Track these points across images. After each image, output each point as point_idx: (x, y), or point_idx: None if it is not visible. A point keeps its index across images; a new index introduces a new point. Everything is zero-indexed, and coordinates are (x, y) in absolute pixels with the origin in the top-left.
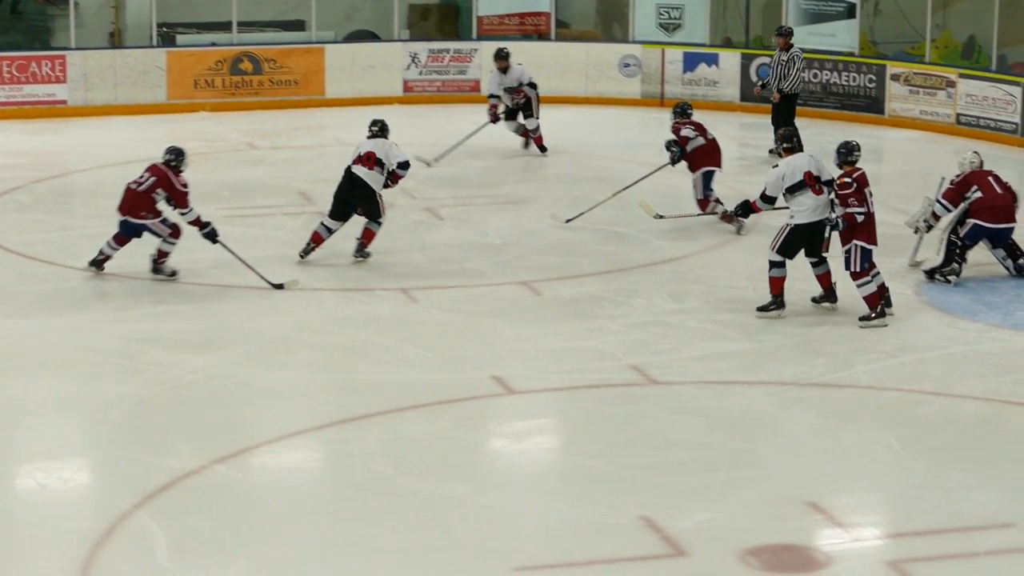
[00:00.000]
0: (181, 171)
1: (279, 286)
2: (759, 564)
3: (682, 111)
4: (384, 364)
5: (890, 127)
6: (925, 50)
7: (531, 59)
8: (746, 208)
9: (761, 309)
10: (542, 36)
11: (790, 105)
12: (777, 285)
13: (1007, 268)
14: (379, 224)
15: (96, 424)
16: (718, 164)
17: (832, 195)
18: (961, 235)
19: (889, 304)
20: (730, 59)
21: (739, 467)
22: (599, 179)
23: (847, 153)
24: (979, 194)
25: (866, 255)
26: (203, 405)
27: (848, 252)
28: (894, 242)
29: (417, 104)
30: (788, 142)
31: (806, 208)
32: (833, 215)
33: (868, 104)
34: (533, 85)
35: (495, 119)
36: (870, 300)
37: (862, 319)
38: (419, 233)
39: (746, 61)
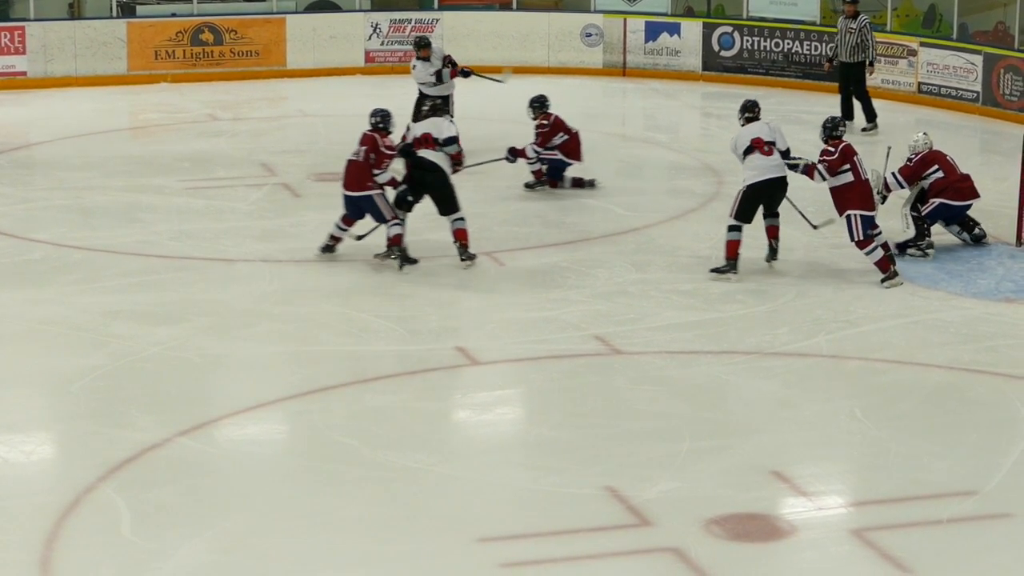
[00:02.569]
0: (389, 132)
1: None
2: (723, 533)
3: (540, 105)
4: (347, 335)
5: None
6: (886, 19)
7: (493, 29)
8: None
9: (714, 270)
10: (504, 6)
11: (861, 73)
12: (732, 249)
13: (963, 240)
14: (462, 219)
15: (59, 397)
16: (578, 158)
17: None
18: (923, 213)
19: (894, 274)
20: (692, 29)
21: (703, 437)
22: None
23: (832, 128)
24: (940, 174)
25: (866, 222)
26: (166, 378)
27: (848, 222)
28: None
29: (379, 75)
30: (749, 112)
31: (756, 168)
32: (804, 162)
33: (830, 73)
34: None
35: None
36: (881, 264)
37: (883, 280)
38: None
39: (708, 31)
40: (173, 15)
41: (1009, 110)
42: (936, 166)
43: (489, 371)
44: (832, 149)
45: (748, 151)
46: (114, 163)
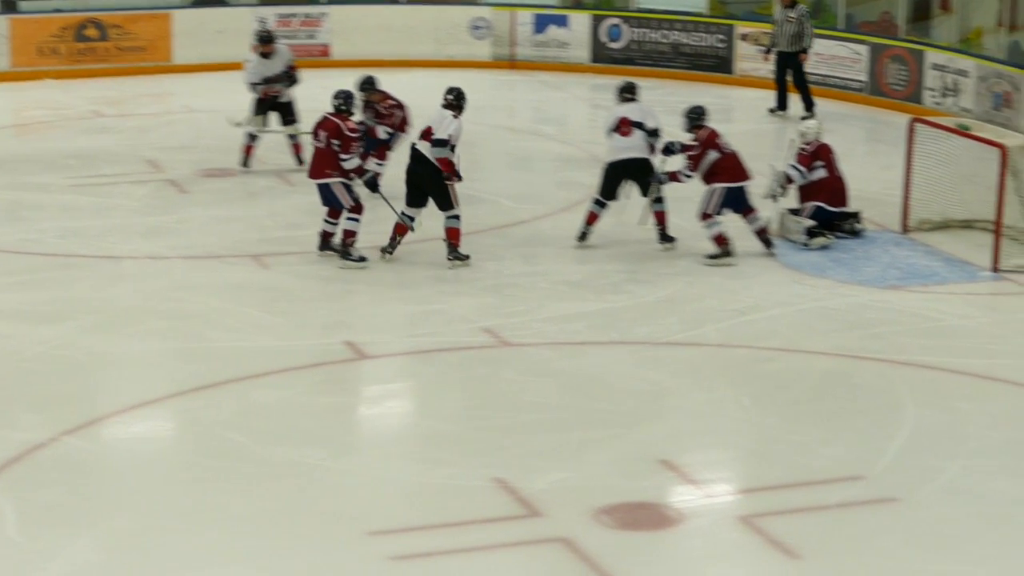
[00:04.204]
0: (352, 114)
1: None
2: (613, 522)
3: (370, 85)
4: (235, 331)
5: (739, 87)
6: (773, 10)
7: (381, 23)
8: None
9: (581, 236)
10: (391, 0)
11: (799, 62)
12: (591, 218)
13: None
14: (456, 218)
15: None
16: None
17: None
18: (803, 215)
19: (770, 244)
20: (580, 21)
21: (592, 427)
22: None
23: (696, 117)
24: (823, 173)
25: (727, 198)
26: (51, 376)
27: (708, 194)
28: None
29: None
30: (628, 92)
31: (613, 148)
32: (663, 176)
33: (717, 64)
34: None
35: (271, 96)
36: (718, 239)
37: (709, 256)
38: (269, 199)
39: (596, 23)
40: (57, 11)
41: (895, 99)
42: (822, 163)
43: (378, 365)
44: (694, 143)
45: (612, 130)
46: None
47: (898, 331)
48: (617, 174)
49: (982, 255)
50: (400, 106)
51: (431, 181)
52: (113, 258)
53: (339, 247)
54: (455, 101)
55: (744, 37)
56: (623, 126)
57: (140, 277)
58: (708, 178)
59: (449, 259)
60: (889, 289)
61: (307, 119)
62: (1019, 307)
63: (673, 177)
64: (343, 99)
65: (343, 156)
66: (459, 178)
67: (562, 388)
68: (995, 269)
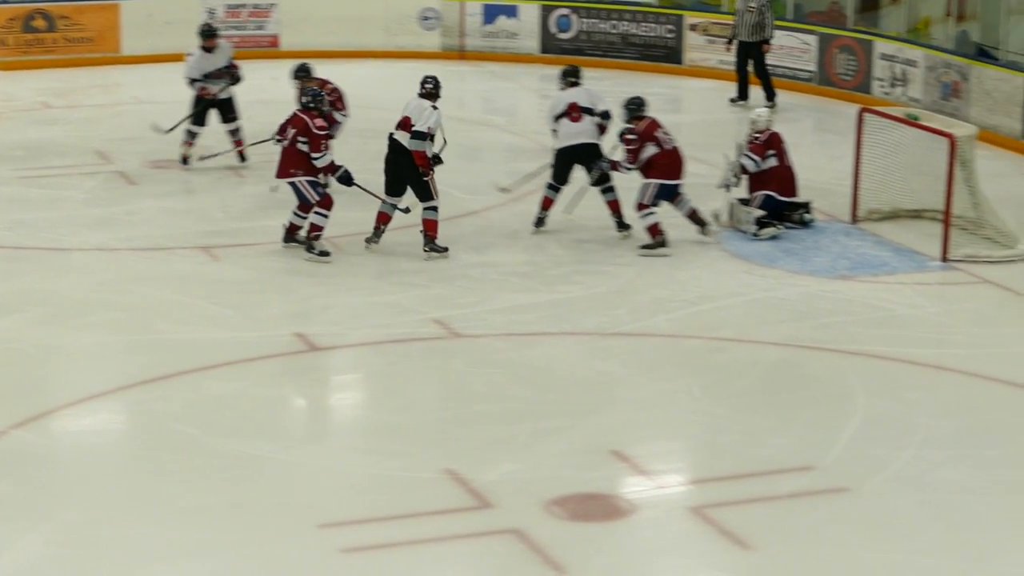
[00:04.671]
0: (322, 112)
1: (405, 210)
2: (564, 514)
3: (305, 73)
4: (186, 323)
5: (689, 77)
6: (722, 0)
7: (331, 13)
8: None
9: (537, 222)
10: None
11: (761, 52)
12: (546, 203)
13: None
14: (434, 209)
15: None
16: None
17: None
18: (753, 205)
19: (703, 223)
20: (529, 11)
21: (543, 418)
22: None
23: (636, 108)
24: (775, 162)
25: (661, 192)
26: (0, 369)
27: (644, 187)
28: (693, 191)
29: None
30: (572, 76)
31: (563, 135)
32: (604, 163)
33: (667, 54)
34: (235, 68)
35: (212, 99)
36: (652, 230)
37: (642, 247)
38: (219, 191)
39: (545, 13)
40: (4, 1)
41: (844, 89)
42: (773, 152)
43: (329, 357)
44: (633, 136)
45: (560, 116)
46: None
47: (848, 321)
48: (568, 159)
49: (931, 245)
50: (338, 89)
51: (410, 171)
52: (62, 250)
53: (304, 240)
54: (434, 90)
55: (693, 27)
56: (573, 111)
57: (89, 269)
58: (645, 171)
59: (425, 250)
60: (839, 279)
61: (257, 111)
62: (968, 297)
63: (614, 166)
64: (312, 96)
65: (314, 155)
66: (432, 171)
67: (513, 379)
68: (944, 259)
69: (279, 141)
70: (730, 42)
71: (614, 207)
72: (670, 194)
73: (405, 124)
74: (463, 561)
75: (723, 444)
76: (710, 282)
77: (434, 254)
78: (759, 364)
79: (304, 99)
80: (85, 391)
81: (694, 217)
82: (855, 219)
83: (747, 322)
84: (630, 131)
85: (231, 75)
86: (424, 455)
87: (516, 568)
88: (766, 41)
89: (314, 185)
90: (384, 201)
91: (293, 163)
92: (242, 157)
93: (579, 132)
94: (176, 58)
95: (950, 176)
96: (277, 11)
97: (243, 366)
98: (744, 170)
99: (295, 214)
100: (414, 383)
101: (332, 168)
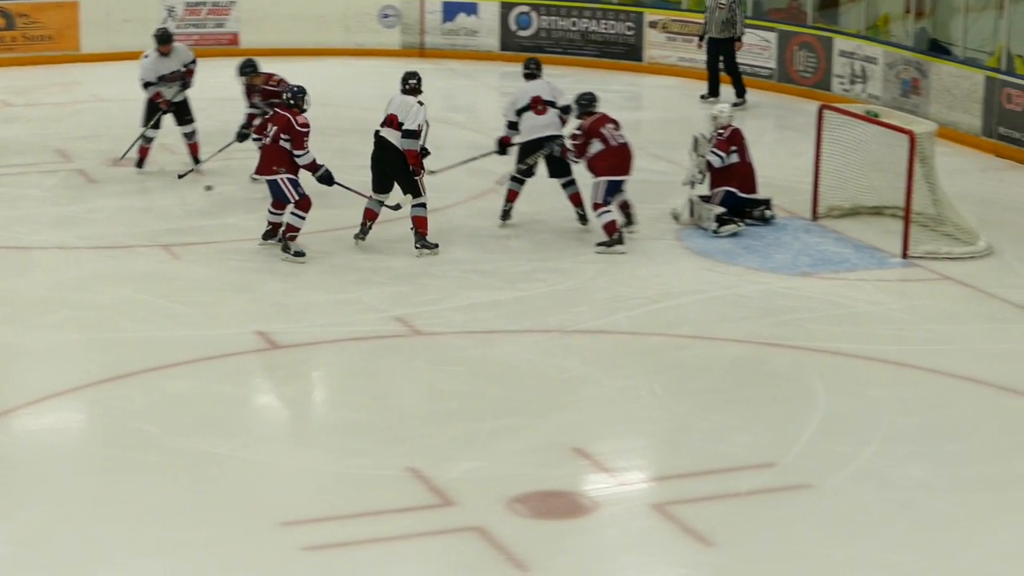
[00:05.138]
0: (303, 110)
1: (395, 207)
2: (526, 511)
3: (251, 69)
4: (146, 322)
5: (649, 74)
6: None
7: (290, 11)
8: (500, 144)
9: (503, 215)
10: None
11: (731, 48)
12: (511, 196)
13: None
14: (423, 206)
15: None
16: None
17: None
18: (714, 201)
19: (632, 221)
20: (489, 8)
21: (505, 415)
22: (359, 131)
23: (586, 104)
24: (736, 159)
25: (611, 188)
26: None
27: (595, 186)
28: (653, 188)
29: None
30: (536, 67)
31: (527, 128)
32: (556, 145)
33: (627, 51)
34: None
35: (167, 108)
36: (608, 227)
37: (599, 244)
38: (179, 189)
39: (505, 10)
40: None
41: (803, 86)
42: (736, 148)
43: (290, 355)
44: (578, 132)
45: (524, 109)
46: None
47: (809, 318)
48: (533, 152)
49: (892, 241)
50: (285, 80)
51: (397, 168)
52: (22, 248)
53: (280, 240)
54: (418, 86)
55: (653, 25)
56: (537, 105)
57: (49, 267)
58: (592, 168)
59: (417, 247)
60: (800, 276)
61: (217, 109)
62: (929, 293)
63: (563, 152)
64: (293, 93)
65: (296, 152)
66: (423, 170)
67: (474, 377)
68: (905, 255)
69: (256, 139)
70: (701, 39)
71: (576, 200)
72: (618, 189)
73: (392, 122)
74: (425, 559)
75: (685, 441)
76: (671, 279)
77: (425, 251)
78: (720, 361)
79: (285, 96)
80: (45, 390)
81: (624, 209)
82: (816, 216)
83: (708, 319)
84: (578, 127)
85: (183, 82)
86: (386, 453)
87: (478, 566)
88: (737, 38)
89: (294, 184)
90: (370, 198)
91: (275, 160)
92: (196, 160)
93: (545, 125)
94: (136, 56)
95: (910, 173)
96: (236, 9)
97: (204, 364)
98: (710, 166)
99: (271, 212)
100: (375, 381)
101: (314, 166)
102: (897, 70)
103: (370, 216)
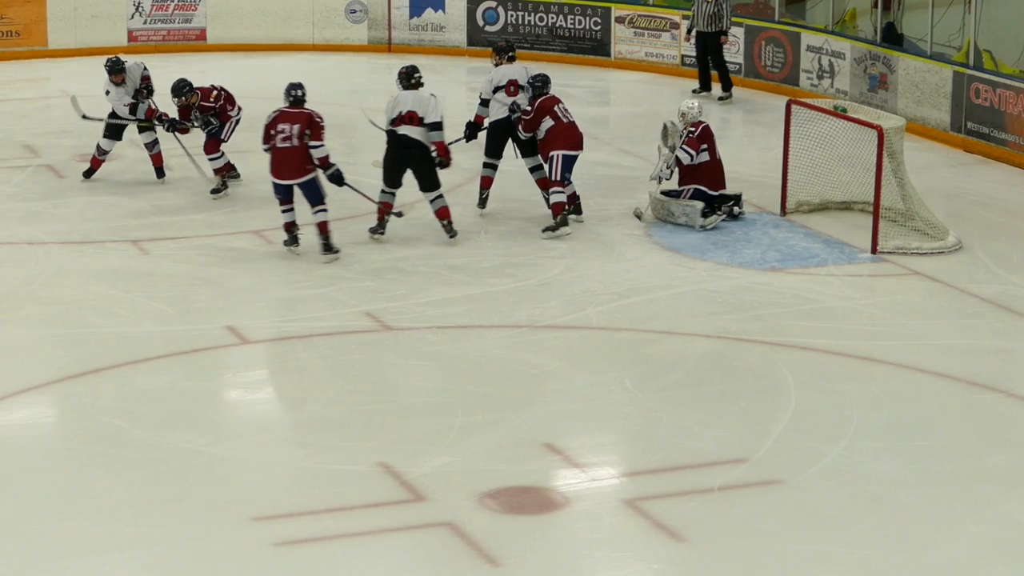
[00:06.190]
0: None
1: (398, 214)
2: (498, 507)
3: (187, 89)
4: (116, 317)
5: (616, 69)
6: None
7: (257, 7)
8: (471, 127)
9: (481, 203)
10: None
11: (717, 42)
12: (485, 183)
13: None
14: (442, 197)
15: None
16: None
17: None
18: (683, 197)
19: (579, 211)
20: (456, 4)
21: (475, 411)
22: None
23: (541, 86)
24: (706, 156)
25: (566, 163)
26: None
27: (549, 161)
28: (622, 183)
29: (142, 54)
30: (504, 52)
31: (497, 108)
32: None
33: (594, 47)
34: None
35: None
36: (556, 208)
37: (545, 230)
38: (148, 184)
39: (472, 5)
40: None
41: (771, 81)
42: (706, 145)
43: (259, 349)
44: (529, 108)
45: (499, 89)
46: None
47: (779, 313)
48: (502, 133)
49: (861, 237)
50: (222, 89)
51: (418, 162)
52: None
53: (322, 241)
54: (421, 79)
55: (620, 20)
56: (511, 87)
57: (18, 263)
58: (546, 147)
59: (451, 236)
60: (769, 271)
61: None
62: (899, 288)
63: (518, 119)
64: (302, 91)
65: (315, 143)
66: (450, 159)
67: (444, 372)
68: (874, 251)
69: (267, 149)
70: (689, 32)
71: (544, 184)
72: (572, 166)
73: (412, 119)
74: (397, 554)
75: (656, 437)
76: (640, 274)
77: (456, 238)
78: (690, 356)
79: (296, 92)
80: (15, 385)
81: (572, 199)
82: (784, 211)
83: (678, 314)
84: (528, 103)
85: (147, 88)
86: (357, 448)
87: (450, 561)
88: (723, 32)
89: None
90: (383, 192)
91: (306, 159)
92: (161, 172)
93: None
94: (104, 51)
95: (879, 168)
96: (204, 4)
97: (174, 359)
98: (679, 162)
99: (287, 211)
100: (346, 376)
101: (329, 162)
102: (865, 65)
103: (387, 208)
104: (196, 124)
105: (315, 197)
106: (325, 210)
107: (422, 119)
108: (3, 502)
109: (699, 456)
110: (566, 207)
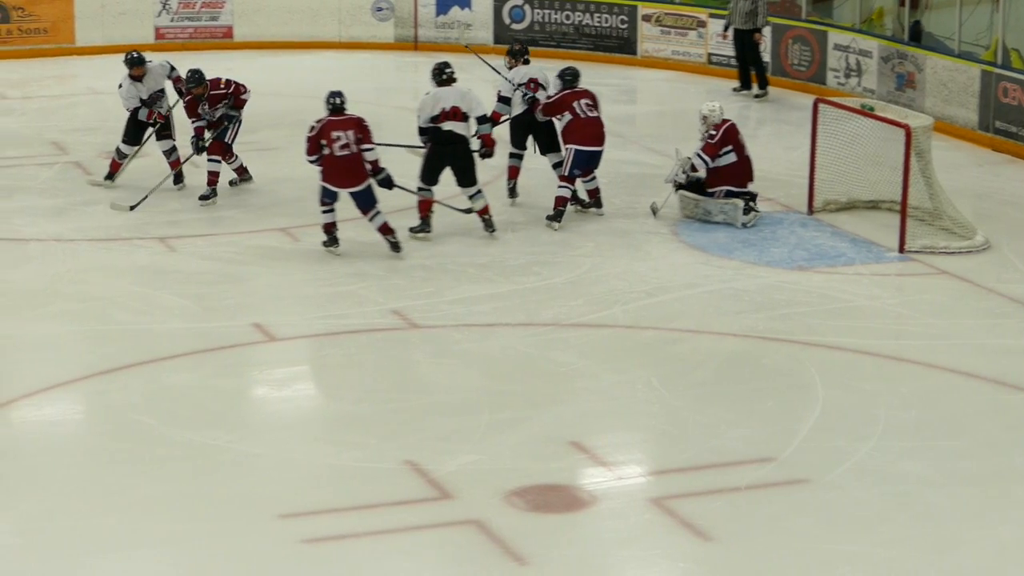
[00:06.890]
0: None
1: (468, 211)
2: (524, 505)
3: (200, 79)
4: (144, 314)
5: (643, 68)
6: None
7: (283, 4)
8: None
9: (510, 192)
10: None
11: (753, 39)
12: (512, 173)
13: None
14: (481, 192)
15: None
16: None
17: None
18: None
19: (599, 204)
20: (483, 2)
21: (502, 409)
22: None
23: (571, 79)
24: (733, 157)
25: (579, 159)
26: None
27: (565, 155)
28: (648, 181)
29: (169, 51)
30: (520, 55)
31: (517, 102)
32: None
33: (620, 45)
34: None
35: (160, 121)
36: (556, 201)
37: (548, 217)
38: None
39: (499, 3)
40: None
41: (798, 80)
42: (730, 147)
43: (286, 347)
44: (554, 95)
45: (521, 86)
46: None
47: (806, 312)
48: (525, 127)
49: (889, 236)
50: (230, 81)
51: (461, 158)
52: (19, 240)
53: (390, 241)
54: (453, 73)
55: (647, 18)
56: (531, 83)
57: (47, 259)
58: (563, 140)
59: (491, 231)
60: (796, 270)
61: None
62: (926, 288)
63: (535, 105)
64: (342, 96)
65: (368, 146)
66: (494, 151)
67: (471, 370)
68: (902, 250)
69: (314, 161)
70: (726, 29)
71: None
72: (587, 162)
73: (455, 115)
74: (423, 552)
75: (682, 435)
76: (667, 273)
77: (494, 231)
78: (717, 355)
79: (337, 100)
80: (43, 382)
81: (593, 195)
82: (811, 210)
83: (705, 313)
84: (555, 92)
85: (177, 89)
86: (383, 446)
87: (476, 559)
88: (757, 30)
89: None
90: (420, 189)
91: (363, 165)
92: (178, 178)
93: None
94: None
95: (906, 167)
96: (231, 2)
97: (201, 357)
98: (694, 169)
99: (330, 212)
100: (373, 374)
101: (379, 166)
102: (892, 63)
103: (428, 206)
104: (207, 118)
105: (371, 202)
106: (380, 211)
107: (466, 114)
108: (32, 497)
109: (726, 455)
110: (567, 203)
